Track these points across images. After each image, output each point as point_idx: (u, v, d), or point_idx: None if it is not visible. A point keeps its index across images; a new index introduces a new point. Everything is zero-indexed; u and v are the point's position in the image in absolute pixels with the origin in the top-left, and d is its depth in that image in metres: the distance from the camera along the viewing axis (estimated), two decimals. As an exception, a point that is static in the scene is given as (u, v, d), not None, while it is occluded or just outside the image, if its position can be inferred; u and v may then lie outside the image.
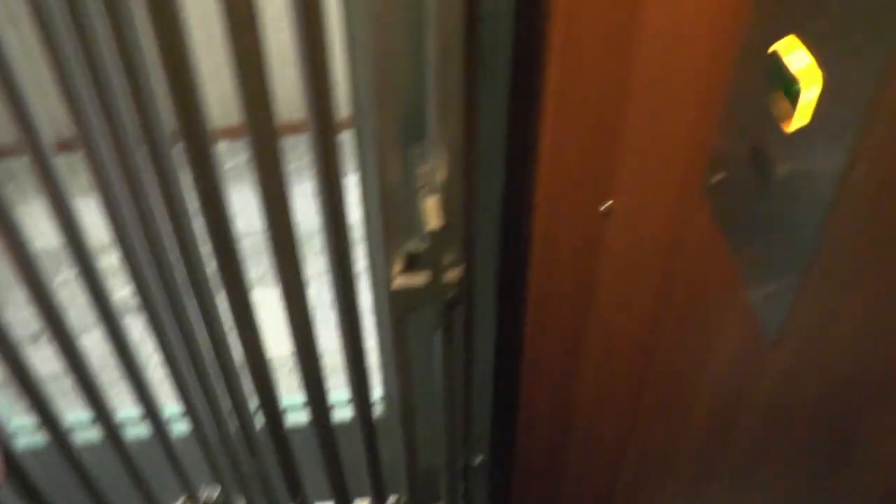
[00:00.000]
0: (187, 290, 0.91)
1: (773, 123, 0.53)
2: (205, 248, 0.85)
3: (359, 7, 0.60)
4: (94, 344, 1.11)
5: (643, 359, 0.82)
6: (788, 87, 0.49)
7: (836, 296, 0.49)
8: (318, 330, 0.92)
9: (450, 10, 0.57)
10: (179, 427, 1.09)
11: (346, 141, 0.73)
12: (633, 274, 0.73)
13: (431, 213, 0.68)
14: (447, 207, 0.68)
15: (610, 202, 0.67)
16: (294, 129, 1.59)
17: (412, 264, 0.75)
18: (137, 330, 1.10)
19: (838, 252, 0.49)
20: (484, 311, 0.86)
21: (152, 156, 0.76)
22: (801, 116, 0.49)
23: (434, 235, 0.68)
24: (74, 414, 1.12)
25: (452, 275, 0.74)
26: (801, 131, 0.50)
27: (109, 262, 0.97)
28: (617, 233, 0.69)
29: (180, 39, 0.63)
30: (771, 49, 0.52)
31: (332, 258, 0.81)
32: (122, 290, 1.13)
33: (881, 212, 0.44)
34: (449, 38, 0.58)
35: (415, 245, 0.74)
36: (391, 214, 0.71)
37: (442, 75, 0.60)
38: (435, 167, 0.68)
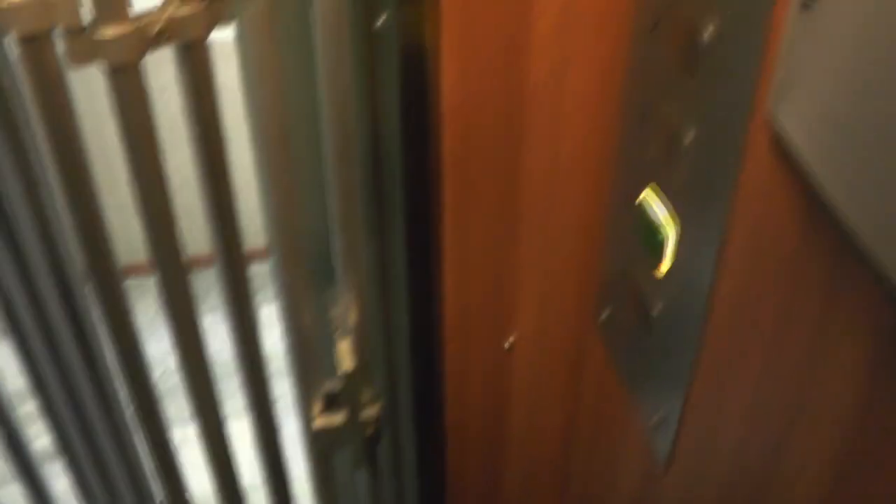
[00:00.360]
0: (106, 434, 0.90)
1: (645, 265, 0.58)
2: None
3: (265, 163, 0.64)
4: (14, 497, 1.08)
5: (559, 481, 0.84)
6: (654, 236, 0.55)
7: (713, 419, 0.53)
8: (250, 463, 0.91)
9: (349, 169, 0.61)
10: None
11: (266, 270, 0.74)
12: (541, 404, 0.77)
13: (345, 354, 0.70)
14: (360, 348, 0.71)
15: (512, 338, 0.71)
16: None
17: (331, 404, 0.77)
18: (58, 479, 1.07)
19: (711, 381, 0.53)
20: (408, 444, 0.87)
21: (63, 297, 0.77)
22: (668, 261, 0.55)
23: (349, 376, 0.71)
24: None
25: (370, 413, 0.76)
26: (669, 271, 0.55)
27: (26, 410, 0.96)
28: (522, 366, 0.73)
29: (87, 178, 0.65)
30: (638, 199, 0.58)
31: (248, 394, 0.82)
32: (41, 439, 1.11)
33: (742, 340, 0.49)
34: (349, 194, 0.63)
35: (332, 385, 0.76)
36: (306, 356, 0.73)
37: (344, 229, 0.64)
38: (346, 310, 0.71)
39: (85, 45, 0.55)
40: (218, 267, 0.73)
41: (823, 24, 0.36)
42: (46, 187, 0.71)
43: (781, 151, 0.41)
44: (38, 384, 0.86)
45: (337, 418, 0.76)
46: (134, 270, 2.72)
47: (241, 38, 0.61)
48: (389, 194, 0.65)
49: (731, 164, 0.46)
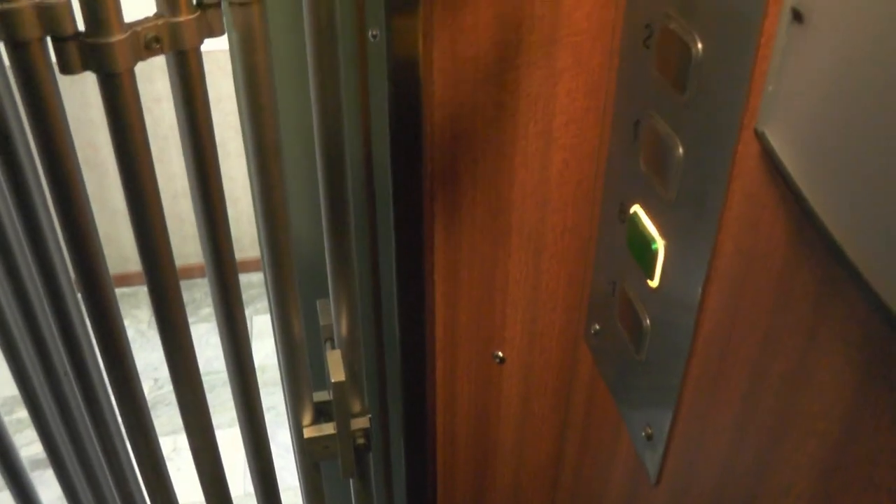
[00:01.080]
0: (94, 444, 0.90)
1: (635, 279, 0.58)
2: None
3: (258, 173, 0.64)
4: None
5: (548, 495, 0.84)
6: (646, 248, 0.55)
7: (702, 433, 0.53)
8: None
9: (339, 181, 0.61)
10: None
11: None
12: (530, 417, 0.76)
13: (335, 366, 0.70)
14: (351, 360, 0.71)
15: (501, 352, 0.71)
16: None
17: (321, 414, 0.77)
18: (48, 488, 1.07)
19: (701, 394, 0.53)
20: (398, 455, 0.87)
21: (54, 306, 0.76)
22: (659, 273, 0.55)
23: (338, 387, 0.71)
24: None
25: (360, 423, 0.76)
26: (658, 285, 0.55)
27: (16, 417, 0.96)
28: (511, 379, 0.73)
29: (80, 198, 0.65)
30: (630, 212, 0.58)
31: (239, 404, 0.82)
32: (32, 446, 1.10)
33: (731, 353, 0.49)
34: (340, 205, 0.63)
35: (323, 395, 0.76)
36: (297, 367, 0.73)
37: (335, 240, 0.64)
38: (337, 321, 0.71)
39: (77, 53, 0.55)
40: (210, 277, 0.73)
41: (814, 38, 0.36)
42: (37, 194, 0.71)
43: (770, 166, 0.41)
44: (27, 393, 0.86)
45: (327, 428, 0.76)
46: (130, 280, 2.72)
47: (234, 48, 0.61)
48: (380, 206, 0.65)
49: (721, 178, 0.47)
